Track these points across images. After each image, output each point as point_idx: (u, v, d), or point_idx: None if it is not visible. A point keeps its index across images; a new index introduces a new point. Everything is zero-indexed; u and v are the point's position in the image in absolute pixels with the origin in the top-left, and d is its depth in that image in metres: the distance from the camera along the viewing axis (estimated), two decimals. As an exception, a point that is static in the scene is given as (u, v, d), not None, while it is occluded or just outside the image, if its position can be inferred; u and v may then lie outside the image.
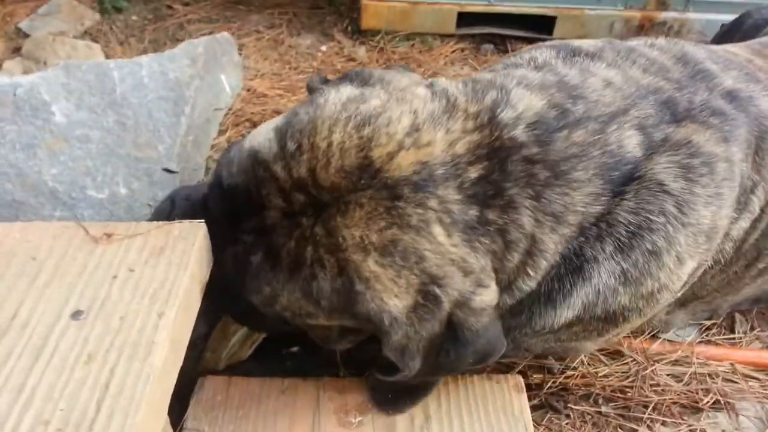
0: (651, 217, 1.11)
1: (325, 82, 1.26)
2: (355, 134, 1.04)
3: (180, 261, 1.07)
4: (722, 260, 1.32)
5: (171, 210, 1.30)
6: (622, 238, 1.11)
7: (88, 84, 1.62)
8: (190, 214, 1.19)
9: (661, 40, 1.39)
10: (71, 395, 0.88)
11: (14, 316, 0.99)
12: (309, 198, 1.04)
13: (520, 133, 1.08)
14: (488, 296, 1.07)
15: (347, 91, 1.13)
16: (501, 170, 1.06)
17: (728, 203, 1.18)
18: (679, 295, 1.28)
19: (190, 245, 1.10)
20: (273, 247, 1.07)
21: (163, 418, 0.98)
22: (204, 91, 1.77)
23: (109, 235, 1.12)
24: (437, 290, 1.03)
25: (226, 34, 1.91)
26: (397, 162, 1.02)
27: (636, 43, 1.38)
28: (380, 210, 1.01)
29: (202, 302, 1.13)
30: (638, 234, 1.11)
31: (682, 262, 1.15)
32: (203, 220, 1.13)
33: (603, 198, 1.11)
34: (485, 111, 1.10)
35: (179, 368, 1.02)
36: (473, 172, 1.05)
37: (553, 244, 1.10)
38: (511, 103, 1.12)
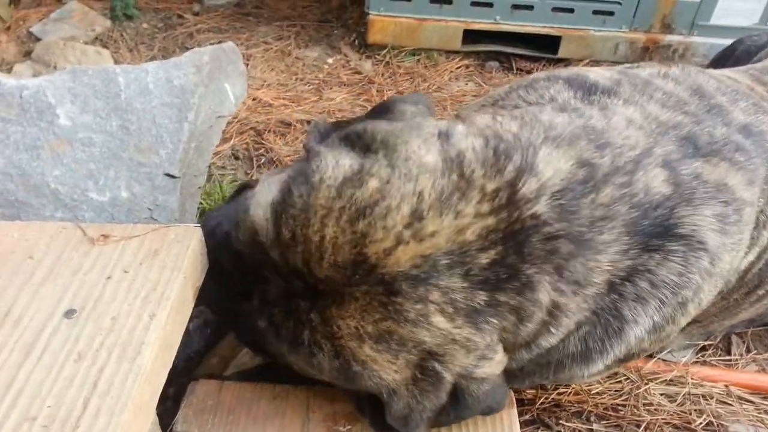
0: (691, 276, 1.11)
1: (326, 135, 1.19)
2: (348, 228, 0.99)
3: (174, 264, 1.09)
4: (725, 290, 1.32)
5: None
6: (665, 299, 1.11)
7: (93, 88, 1.65)
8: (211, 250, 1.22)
9: (674, 70, 1.39)
10: (59, 392, 0.89)
11: (7, 313, 1.00)
12: (306, 284, 1.04)
13: (542, 207, 1.02)
14: (491, 368, 1.07)
15: (345, 164, 1.05)
16: (518, 253, 1.00)
17: (744, 246, 1.20)
18: None
19: (184, 249, 1.11)
20: (275, 321, 1.09)
21: (151, 419, 0.98)
22: (208, 98, 1.79)
23: (105, 237, 1.13)
24: (437, 366, 1.03)
25: (231, 43, 1.94)
26: (395, 257, 0.98)
27: (648, 73, 1.37)
28: (375, 304, 0.99)
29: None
30: (677, 293, 1.12)
31: (701, 305, 1.18)
32: (200, 226, 1.15)
33: (631, 252, 1.07)
34: (505, 188, 1.02)
35: (169, 369, 1.02)
36: (483, 259, 0.99)
37: (575, 305, 1.07)
38: (536, 170, 1.04)
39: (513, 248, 1.00)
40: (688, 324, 1.45)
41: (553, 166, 1.05)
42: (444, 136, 1.09)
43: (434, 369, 1.03)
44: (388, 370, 1.03)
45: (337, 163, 1.05)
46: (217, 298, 1.23)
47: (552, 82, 1.31)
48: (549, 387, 1.49)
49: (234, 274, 1.17)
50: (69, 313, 1.00)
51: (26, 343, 0.95)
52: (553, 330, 1.09)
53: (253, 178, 2.16)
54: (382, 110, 1.28)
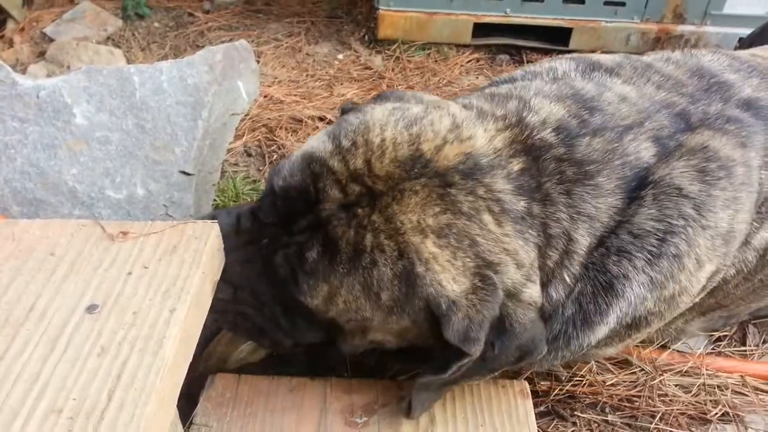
0: (672, 221, 1.13)
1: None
2: (405, 131, 1.11)
3: (192, 259, 1.10)
4: (745, 269, 1.33)
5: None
6: (653, 249, 1.14)
7: (109, 88, 1.67)
8: (230, 225, 1.21)
9: (677, 54, 1.43)
10: (84, 386, 0.90)
11: (31, 309, 1.02)
12: (364, 188, 1.08)
13: (547, 135, 1.15)
14: (535, 292, 1.11)
15: (388, 105, 1.20)
16: (537, 167, 1.13)
17: (746, 208, 1.19)
18: (697, 299, 1.29)
19: (202, 244, 1.13)
20: (330, 238, 1.08)
21: (173, 411, 1.00)
22: (221, 96, 1.80)
23: (124, 233, 1.15)
24: (493, 275, 1.06)
25: (243, 41, 1.95)
26: (444, 153, 1.10)
27: (653, 58, 1.41)
28: (434, 196, 1.06)
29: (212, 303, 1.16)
30: (665, 240, 1.13)
31: (701, 265, 1.17)
32: (216, 220, 1.16)
33: (621, 209, 1.14)
34: (512, 114, 1.18)
35: (189, 363, 1.04)
36: (516, 165, 1.12)
37: (583, 250, 1.13)
38: (534, 109, 1.19)
39: (533, 161, 1.13)
40: (713, 309, 1.45)
41: (547, 109, 1.19)
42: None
43: (491, 278, 1.06)
44: (448, 276, 1.05)
45: (382, 102, 1.22)
46: (245, 253, 1.19)
47: (557, 58, 1.41)
48: (563, 378, 1.50)
49: (270, 216, 1.15)
50: (91, 308, 1.02)
51: (50, 338, 0.97)
52: (565, 276, 1.14)
53: (265, 175, 2.17)
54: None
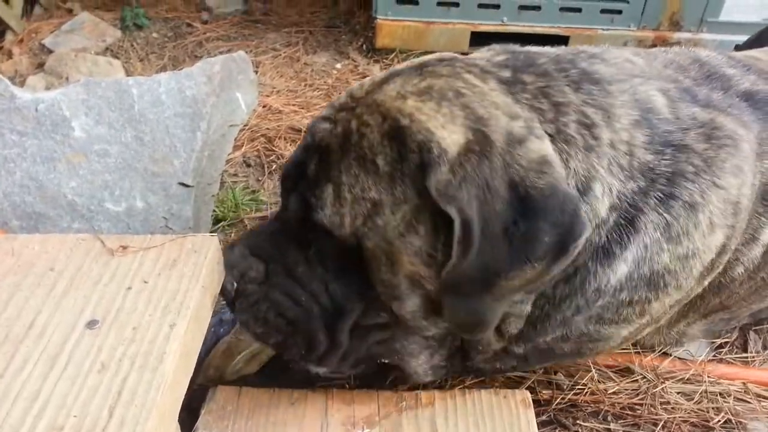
0: (681, 165, 1.13)
1: None
2: (382, 74, 1.20)
3: (192, 273, 1.10)
4: (751, 267, 1.32)
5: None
6: (663, 189, 1.13)
7: (107, 100, 1.67)
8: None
9: (675, 47, 1.46)
10: (84, 403, 0.90)
11: (31, 325, 1.02)
12: (349, 110, 1.15)
13: (540, 58, 1.19)
14: (544, 148, 1.03)
15: None
16: (527, 56, 1.18)
17: (748, 185, 1.18)
18: (705, 283, 1.27)
19: (202, 258, 1.13)
20: (322, 146, 1.13)
21: (174, 427, 1.00)
22: (220, 107, 1.81)
23: (124, 248, 1.15)
24: (484, 129, 1.03)
25: (242, 52, 1.96)
26: (420, 59, 1.21)
27: (651, 49, 1.44)
28: (412, 75, 1.14)
29: (214, 317, 1.15)
30: (675, 182, 1.13)
31: (713, 228, 1.16)
32: (215, 235, 1.16)
33: (645, 131, 1.14)
34: (501, 50, 1.24)
35: (190, 378, 1.04)
36: (498, 57, 1.19)
37: (608, 139, 1.10)
38: (526, 47, 1.25)
39: (521, 56, 1.19)
40: (716, 311, 1.44)
41: (539, 49, 1.24)
42: None
43: (483, 132, 1.02)
44: (435, 123, 1.04)
45: None
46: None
47: None
48: (565, 387, 1.50)
49: (289, 182, 1.21)
50: (91, 324, 1.02)
51: (50, 355, 0.97)
52: (600, 170, 1.09)
53: (264, 185, 2.17)
54: None
